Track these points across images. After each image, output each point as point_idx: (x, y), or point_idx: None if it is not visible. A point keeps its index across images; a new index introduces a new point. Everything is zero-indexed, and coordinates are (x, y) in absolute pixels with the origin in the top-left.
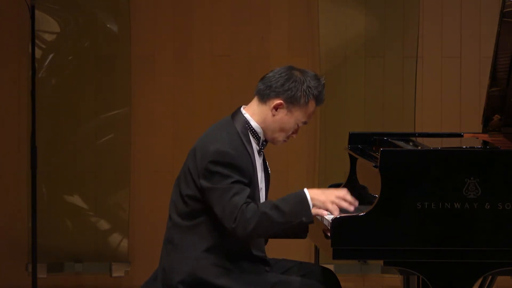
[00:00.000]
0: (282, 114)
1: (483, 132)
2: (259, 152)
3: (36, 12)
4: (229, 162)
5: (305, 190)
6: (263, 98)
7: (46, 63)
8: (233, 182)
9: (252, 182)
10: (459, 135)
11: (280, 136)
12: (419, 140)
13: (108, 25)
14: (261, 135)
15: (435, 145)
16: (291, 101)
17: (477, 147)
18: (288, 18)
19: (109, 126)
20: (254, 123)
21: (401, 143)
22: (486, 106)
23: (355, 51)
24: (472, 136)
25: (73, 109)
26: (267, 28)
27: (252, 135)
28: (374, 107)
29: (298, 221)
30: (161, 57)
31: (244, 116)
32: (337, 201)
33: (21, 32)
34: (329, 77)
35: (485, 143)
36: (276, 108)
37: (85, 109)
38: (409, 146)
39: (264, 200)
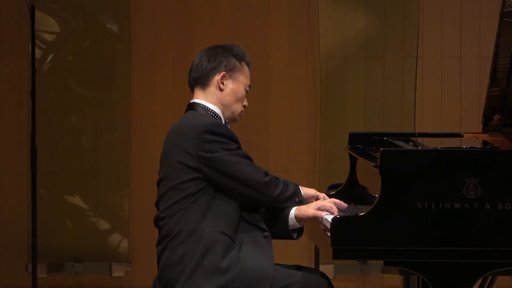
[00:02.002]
0: (229, 84)
1: (483, 132)
2: None
3: (36, 12)
4: (223, 133)
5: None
6: (205, 82)
7: (46, 63)
8: (237, 148)
9: None
10: (459, 135)
11: (238, 107)
12: (419, 140)
13: (108, 25)
14: (221, 115)
15: (435, 145)
16: (230, 69)
17: (477, 147)
18: (288, 18)
19: (109, 126)
20: (212, 106)
21: (401, 143)
22: (486, 106)
23: (355, 51)
24: (472, 136)
25: (73, 109)
26: (267, 28)
27: (215, 118)
28: (374, 107)
29: (298, 200)
30: (161, 57)
31: (200, 103)
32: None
33: (21, 32)
34: (329, 77)
35: (485, 143)
36: (222, 81)
37: (85, 109)
38: (409, 146)
39: None
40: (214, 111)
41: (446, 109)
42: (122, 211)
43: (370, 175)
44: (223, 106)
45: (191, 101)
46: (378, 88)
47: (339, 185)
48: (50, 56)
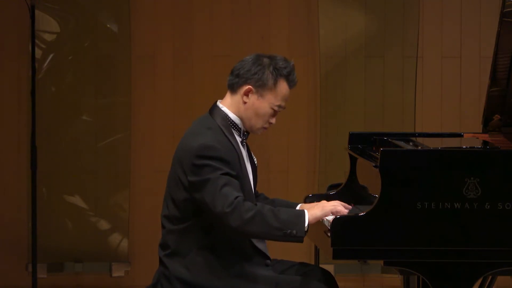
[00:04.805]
0: (253, 99)
1: (483, 132)
2: (241, 143)
3: (36, 12)
4: (215, 156)
5: (305, 209)
6: (234, 88)
7: (46, 63)
8: (222, 174)
9: (242, 174)
10: (459, 135)
11: (258, 123)
12: (419, 140)
13: (108, 25)
14: (241, 126)
15: (435, 145)
16: (260, 85)
17: (477, 147)
18: (288, 18)
19: (109, 126)
20: (232, 115)
21: (401, 143)
22: (486, 106)
23: (355, 51)
24: (472, 136)
25: (73, 109)
26: (267, 28)
27: (233, 127)
28: (374, 107)
29: (289, 231)
30: (161, 57)
31: (222, 110)
32: (334, 209)
33: (21, 32)
34: (329, 77)
35: (485, 143)
36: (246, 94)
37: (85, 109)
38: (409, 146)
39: (253, 190)
40: (233, 121)
41: (446, 109)
42: (122, 211)
43: (370, 175)
44: (243, 117)
45: (217, 102)
46: (378, 88)
47: (339, 185)
48: (50, 56)
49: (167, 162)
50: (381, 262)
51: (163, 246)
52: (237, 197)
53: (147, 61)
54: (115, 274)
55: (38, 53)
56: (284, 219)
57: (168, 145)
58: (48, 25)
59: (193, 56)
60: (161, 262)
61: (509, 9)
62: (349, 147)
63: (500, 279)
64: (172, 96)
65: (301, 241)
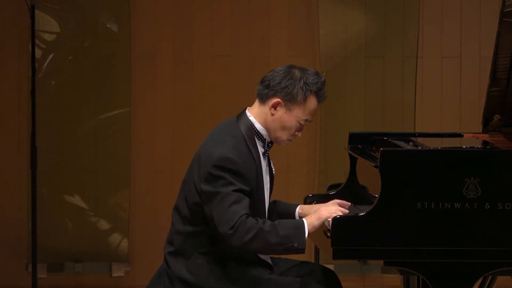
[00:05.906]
0: (281, 112)
1: (483, 132)
2: (264, 154)
3: (36, 12)
4: (232, 169)
5: (304, 219)
6: (263, 98)
7: (46, 63)
8: (234, 190)
9: (257, 187)
10: (459, 135)
11: (283, 135)
12: (419, 140)
13: (108, 25)
14: (266, 137)
15: (435, 145)
16: (289, 99)
17: (477, 147)
18: (288, 18)
19: (109, 126)
20: (258, 126)
21: (401, 143)
22: (486, 106)
23: (355, 51)
24: (472, 136)
25: (73, 109)
26: (267, 28)
27: (258, 138)
28: (374, 107)
29: (290, 245)
30: (161, 57)
31: (249, 119)
32: (332, 212)
33: (21, 32)
34: (329, 77)
35: (485, 143)
36: (274, 107)
37: (85, 109)
38: (409, 146)
39: (267, 201)
40: (258, 131)
41: (446, 109)
42: (122, 211)
43: (370, 175)
44: (269, 129)
45: (246, 109)
46: (378, 88)
47: (339, 185)
48: (50, 56)
49: (167, 162)
50: (381, 262)
51: (169, 242)
52: (241, 216)
53: (147, 61)
54: (115, 274)
55: (38, 53)
56: (284, 234)
57: (168, 145)
58: (48, 25)
59: (193, 56)
60: (165, 258)
61: (509, 9)
62: (349, 147)
63: (500, 279)
64: (172, 96)
65: (303, 253)
